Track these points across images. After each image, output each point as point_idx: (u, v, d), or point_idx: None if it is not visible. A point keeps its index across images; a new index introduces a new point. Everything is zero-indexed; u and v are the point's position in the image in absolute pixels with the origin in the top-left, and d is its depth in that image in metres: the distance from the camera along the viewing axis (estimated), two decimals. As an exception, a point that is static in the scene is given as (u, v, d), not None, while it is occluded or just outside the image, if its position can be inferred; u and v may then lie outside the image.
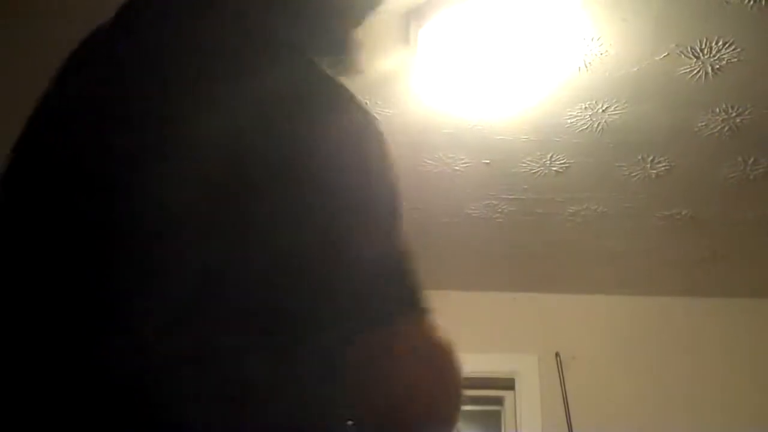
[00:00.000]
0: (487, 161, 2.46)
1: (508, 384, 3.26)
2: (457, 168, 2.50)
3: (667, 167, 2.46)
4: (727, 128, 2.25)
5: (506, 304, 3.38)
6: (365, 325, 0.66)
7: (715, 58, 1.97)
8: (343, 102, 0.74)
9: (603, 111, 2.20)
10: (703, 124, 2.24)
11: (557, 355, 3.24)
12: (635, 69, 2.03)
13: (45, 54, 2.03)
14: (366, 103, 2.33)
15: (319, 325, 0.69)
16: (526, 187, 2.60)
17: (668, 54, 1.97)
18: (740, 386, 3.23)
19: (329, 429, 0.69)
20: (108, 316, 0.67)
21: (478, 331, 3.29)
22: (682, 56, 1.97)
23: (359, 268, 0.71)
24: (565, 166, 2.48)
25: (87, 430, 0.64)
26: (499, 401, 3.34)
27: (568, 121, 2.25)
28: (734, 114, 2.19)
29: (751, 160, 2.41)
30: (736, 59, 1.97)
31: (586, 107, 2.19)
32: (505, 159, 2.45)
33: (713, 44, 1.93)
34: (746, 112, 2.18)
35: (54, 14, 1.90)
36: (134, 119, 0.73)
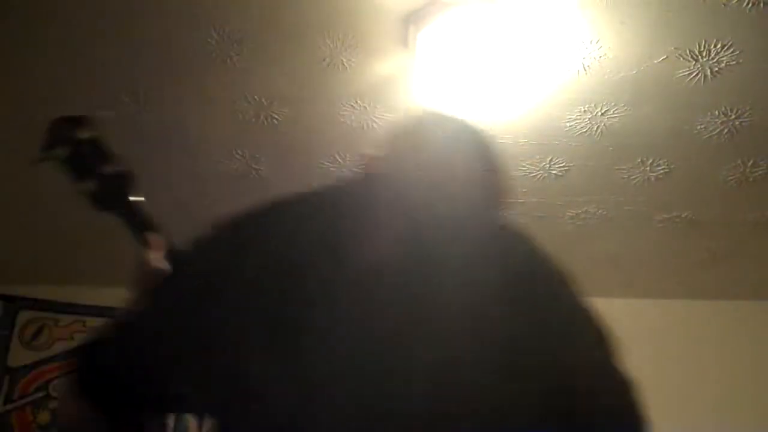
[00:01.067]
0: (487, 164, 2.46)
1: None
2: (456, 171, 2.50)
3: (666, 170, 2.46)
4: (726, 130, 2.25)
5: (506, 307, 3.37)
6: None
7: (714, 60, 1.97)
8: None
9: (602, 114, 2.20)
10: (703, 126, 2.24)
11: (557, 358, 3.23)
12: (634, 72, 2.03)
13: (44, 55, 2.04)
14: (366, 107, 2.30)
15: (320, 327, 0.70)
16: (525, 190, 2.60)
17: (667, 57, 1.97)
18: (740, 388, 3.23)
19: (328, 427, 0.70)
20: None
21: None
22: (681, 59, 1.97)
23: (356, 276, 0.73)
24: (565, 170, 2.48)
25: None
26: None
27: (568, 124, 2.25)
28: (733, 116, 2.19)
29: (751, 162, 2.41)
30: (734, 62, 1.97)
31: (585, 110, 2.19)
32: (504, 162, 2.44)
33: (712, 47, 1.93)
34: (745, 114, 2.18)
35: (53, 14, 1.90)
36: None
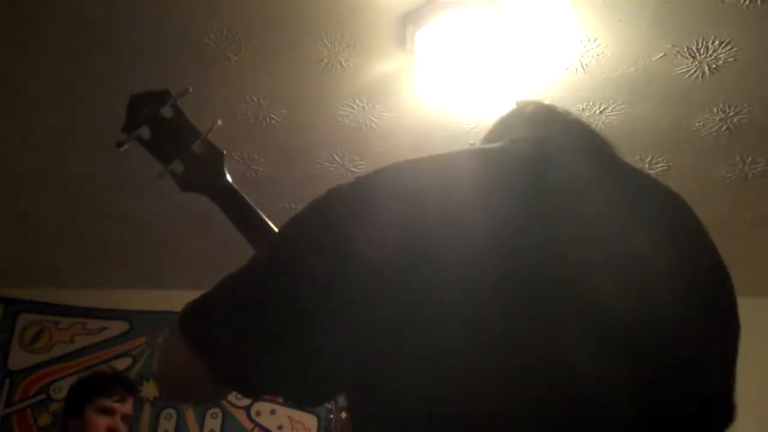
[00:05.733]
0: (486, 163, 2.46)
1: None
2: (455, 170, 2.50)
3: (665, 167, 2.47)
4: (724, 128, 2.25)
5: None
6: None
7: (712, 57, 1.97)
8: None
9: (600, 112, 2.20)
10: (701, 123, 2.24)
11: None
12: (632, 69, 2.03)
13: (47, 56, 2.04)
14: (364, 107, 2.30)
15: None
16: (524, 188, 2.60)
17: (665, 54, 1.97)
18: (739, 386, 3.23)
19: None
20: None
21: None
22: (679, 56, 1.98)
23: None
24: (564, 168, 2.47)
25: None
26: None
27: (566, 122, 2.25)
28: (732, 113, 2.19)
29: (749, 159, 2.41)
30: (732, 59, 1.97)
31: (583, 108, 2.19)
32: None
33: (709, 44, 1.93)
34: (743, 111, 2.18)
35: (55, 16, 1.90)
36: None
